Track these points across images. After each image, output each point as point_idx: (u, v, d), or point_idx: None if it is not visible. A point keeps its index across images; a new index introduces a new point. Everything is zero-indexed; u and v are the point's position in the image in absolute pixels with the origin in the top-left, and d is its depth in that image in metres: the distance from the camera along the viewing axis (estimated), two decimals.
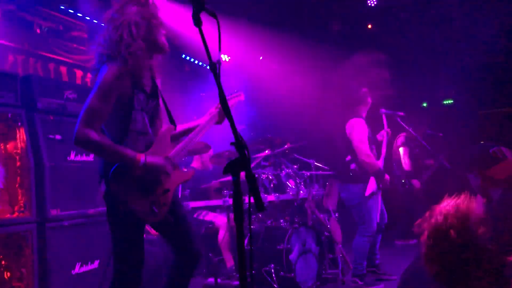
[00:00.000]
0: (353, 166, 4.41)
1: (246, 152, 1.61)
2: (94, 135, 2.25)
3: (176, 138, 2.72)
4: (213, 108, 2.76)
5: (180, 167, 2.61)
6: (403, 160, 6.64)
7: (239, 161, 1.58)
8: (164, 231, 2.65)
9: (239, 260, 1.58)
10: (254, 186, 1.57)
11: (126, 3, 2.45)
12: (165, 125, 2.65)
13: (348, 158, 4.43)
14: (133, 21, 2.39)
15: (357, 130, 4.35)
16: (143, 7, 2.45)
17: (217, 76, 1.66)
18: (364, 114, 4.53)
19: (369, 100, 4.55)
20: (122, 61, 2.33)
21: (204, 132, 2.68)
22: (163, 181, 2.46)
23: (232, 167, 1.58)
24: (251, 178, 1.58)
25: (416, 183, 6.51)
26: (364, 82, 4.61)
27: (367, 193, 4.27)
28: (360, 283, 4.42)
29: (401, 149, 6.69)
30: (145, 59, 2.44)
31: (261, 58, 7.82)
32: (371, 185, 4.29)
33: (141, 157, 2.32)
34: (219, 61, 1.67)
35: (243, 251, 1.58)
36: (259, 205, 1.59)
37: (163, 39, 2.52)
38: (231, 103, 2.90)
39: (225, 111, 1.67)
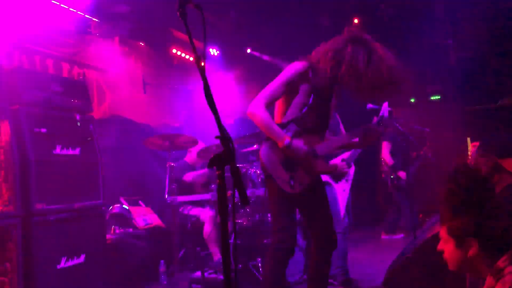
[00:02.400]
0: None
1: (231, 145, 1.61)
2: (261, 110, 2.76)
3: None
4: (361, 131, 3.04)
5: (324, 159, 2.96)
6: (385, 155, 6.68)
7: (224, 154, 1.58)
8: (303, 212, 3.04)
9: (223, 254, 1.58)
10: (238, 180, 1.57)
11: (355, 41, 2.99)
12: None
13: None
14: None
15: None
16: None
17: (201, 69, 1.65)
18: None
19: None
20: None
21: (345, 143, 3.09)
22: (304, 164, 2.82)
23: (216, 161, 1.58)
24: (235, 171, 1.58)
25: (402, 174, 6.54)
26: None
27: None
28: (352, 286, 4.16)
29: (383, 144, 6.72)
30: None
31: (248, 51, 7.79)
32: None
33: (287, 139, 2.72)
34: (204, 54, 1.66)
35: (228, 244, 1.58)
36: (243, 199, 1.59)
37: None
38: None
39: (210, 106, 1.66)
